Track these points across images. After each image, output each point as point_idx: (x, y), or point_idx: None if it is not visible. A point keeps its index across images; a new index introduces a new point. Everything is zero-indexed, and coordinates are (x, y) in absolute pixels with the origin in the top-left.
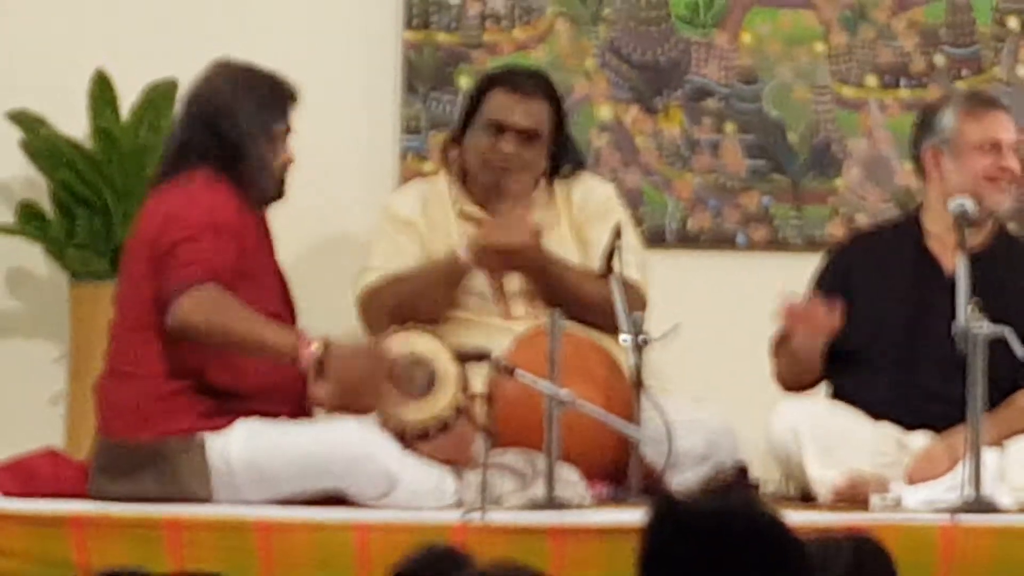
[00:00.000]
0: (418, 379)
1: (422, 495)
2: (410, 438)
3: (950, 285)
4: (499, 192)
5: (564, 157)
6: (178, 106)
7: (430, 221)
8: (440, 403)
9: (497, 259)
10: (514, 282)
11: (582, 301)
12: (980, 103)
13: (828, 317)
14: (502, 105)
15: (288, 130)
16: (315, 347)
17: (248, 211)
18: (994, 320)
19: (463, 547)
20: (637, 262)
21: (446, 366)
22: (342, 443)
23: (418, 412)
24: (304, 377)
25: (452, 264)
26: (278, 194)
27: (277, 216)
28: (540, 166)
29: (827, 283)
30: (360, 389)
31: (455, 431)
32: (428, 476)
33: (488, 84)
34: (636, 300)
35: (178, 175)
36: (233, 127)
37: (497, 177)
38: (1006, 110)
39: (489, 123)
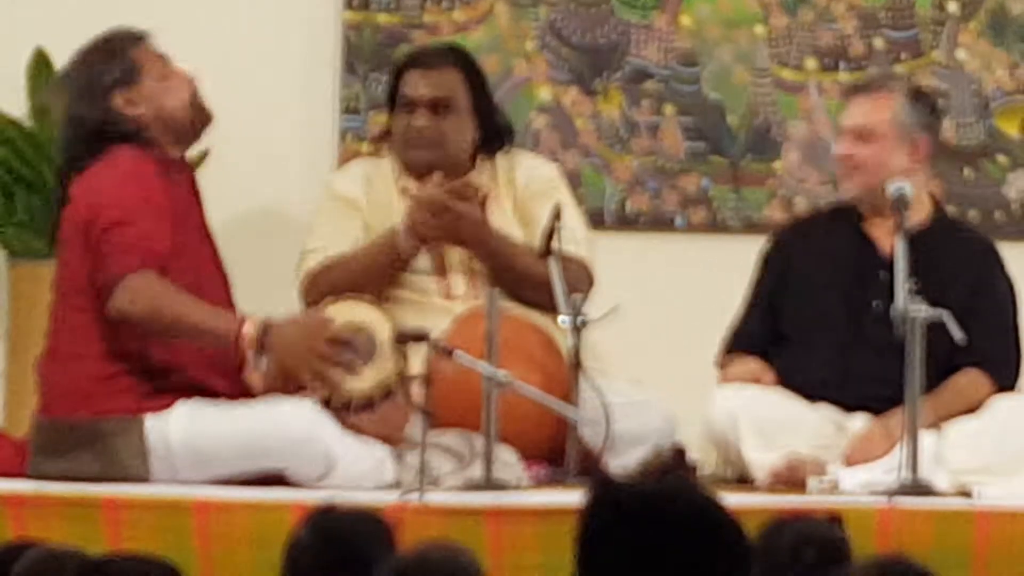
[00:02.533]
0: (360, 347)
1: (361, 476)
2: (356, 408)
3: (886, 266)
4: (427, 168)
5: (493, 127)
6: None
7: (373, 199)
8: (384, 370)
9: (438, 229)
10: (455, 261)
11: (526, 278)
12: (852, 90)
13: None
14: (409, 81)
15: (150, 64)
16: (247, 327)
17: (174, 177)
18: (930, 300)
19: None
20: (582, 240)
21: (386, 333)
22: (282, 424)
23: (362, 381)
24: (242, 352)
25: (392, 243)
26: (200, 122)
27: (216, 195)
28: (463, 137)
29: (770, 266)
30: (301, 364)
31: (396, 405)
32: (367, 456)
33: (400, 67)
34: (583, 278)
35: (95, 156)
36: (95, 103)
37: (419, 155)
38: (870, 94)
39: (402, 102)
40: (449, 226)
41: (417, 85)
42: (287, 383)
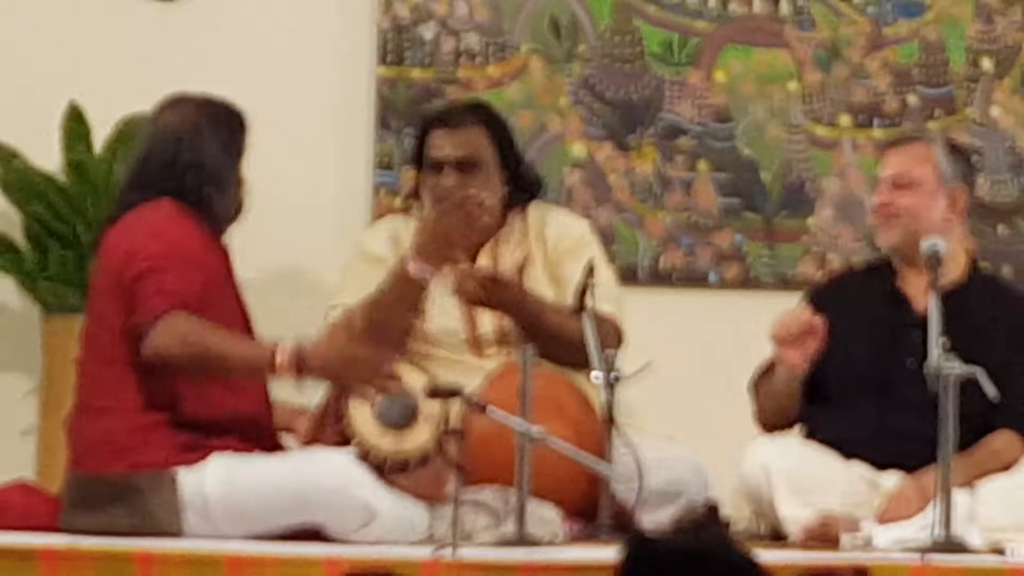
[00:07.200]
0: (401, 411)
1: (397, 528)
2: (389, 470)
3: (919, 324)
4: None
5: (522, 180)
6: (138, 140)
7: (401, 256)
8: (422, 436)
9: (478, 291)
10: (487, 320)
11: (559, 338)
12: (889, 144)
13: (815, 334)
14: (435, 142)
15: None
16: (280, 354)
17: (212, 242)
18: (966, 358)
19: None
20: (613, 298)
21: (429, 399)
22: (320, 476)
23: (399, 443)
24: (271, 410)
25: (402, 277)
26: (237, 215)
27: (249, 250)
28: (491, 193)
29: None
30: (346, 375)
31: (434, 465)
32: (403, 509)
33: (425, 127)
34: (613, 335)
35: (137, 207)
36: (199, 159)
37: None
38: (911, 145)
39: (429, 163)
40: (492, 297)
41: (443, 146)
42: (343, 393)
